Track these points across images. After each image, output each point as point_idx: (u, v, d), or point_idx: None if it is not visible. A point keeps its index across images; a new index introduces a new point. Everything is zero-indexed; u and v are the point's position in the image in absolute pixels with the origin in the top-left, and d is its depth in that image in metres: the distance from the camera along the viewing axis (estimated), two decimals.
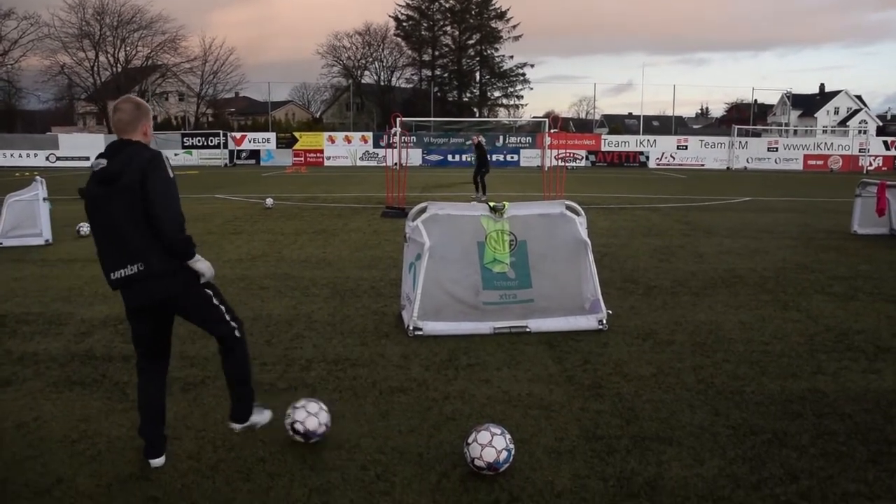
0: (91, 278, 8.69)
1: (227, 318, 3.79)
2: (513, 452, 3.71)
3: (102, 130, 57.77)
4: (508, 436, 3.72)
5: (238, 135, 46.37)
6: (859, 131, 53.97)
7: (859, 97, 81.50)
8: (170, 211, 3.46)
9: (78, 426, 4.31)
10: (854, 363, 5.54)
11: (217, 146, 44.62)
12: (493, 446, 3.63)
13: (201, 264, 3.63)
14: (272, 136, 45.09)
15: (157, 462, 3.77)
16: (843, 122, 74.49)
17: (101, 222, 3.52)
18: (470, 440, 3.69)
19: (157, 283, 3.51)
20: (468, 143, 20.92)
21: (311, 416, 3.99)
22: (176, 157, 44.52)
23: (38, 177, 12.02)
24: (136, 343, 3.81)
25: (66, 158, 43.33)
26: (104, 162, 3.47)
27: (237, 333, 3.82)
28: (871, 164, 43.47)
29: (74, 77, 60.15)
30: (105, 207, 3.47)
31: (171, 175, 3.53)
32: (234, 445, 4.05)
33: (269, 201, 17.72)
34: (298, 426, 3.96)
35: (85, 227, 12.41)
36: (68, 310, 7.14)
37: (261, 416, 4.07)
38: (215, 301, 3.74)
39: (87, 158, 43.06)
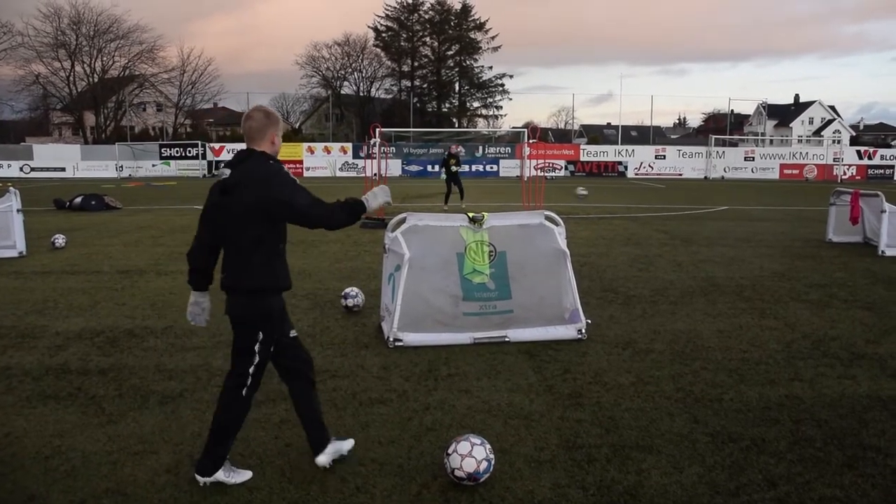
0: (66, 290, 8.57)
1: (248, 360, 3.61)
2: (493, 463, 3.70)
3: (78, 141, 57.16)
4: (489, 446, 3.72)
5: (217, 145, 46.12)
6: (833, 141, 54.82)
7: (833, 107, 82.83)
8: (311, 206, 3.47)
9: (51, 442, 4.24)
10: (830, 369, 5.61)
11: (195, 157, 44.31)
12: (473, 456, 3.62)
13: (374, 201, 3.67)
14: None
15: (322, 460, 3.83)
16: (818, 132, 75.63)
17: (213, 230, 3.58)
18: (450, 451, 3.68)
19: (231, 297, 3.59)
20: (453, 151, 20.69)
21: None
22: (154, 167, 44.20)
23: (11, 188, 11.86)
24: None
25: (41, 169, 42.82)
26: (227, 172, 3.52)
27: (242, 381, 3.63)
28: (844, 174, 44.12)
29: (49, 87, 59.39)
30: (221, 216, 3.52)
31: (295, 179, 3.53)
32: None
33: None
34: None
35: (60, 239, 12.25)
36: (42, 323, 7.04)
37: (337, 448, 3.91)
38: (250, 344, 3.60)
39: (63, 169, 42.80)
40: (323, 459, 3.84)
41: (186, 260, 3.74)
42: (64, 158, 43.94)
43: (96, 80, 59.77)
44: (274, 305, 3.62)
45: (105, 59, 60.33)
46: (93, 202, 19.86)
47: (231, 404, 3.65)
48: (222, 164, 3.60)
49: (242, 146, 3.62)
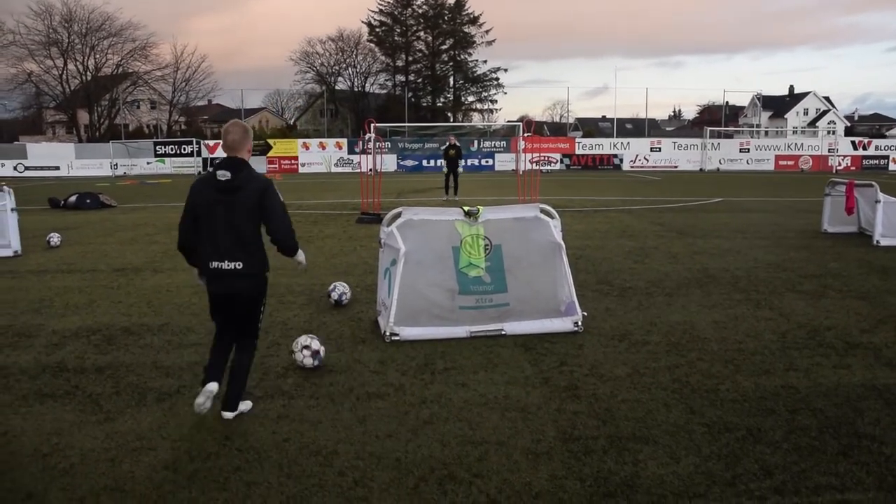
0: (62, 289, 8.56)
1: (259, 325, 4.68)
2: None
3: (72, 139, 56.95)
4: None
5: (211, 142, 45.95)
6: (828, 132, 54.91)
7: (827, 98, 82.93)
8: (285, 224, 4.42)
9: (49, 440, 4.24)
10: (825, 359, 5.63)
11: (190, 154, 44.20)
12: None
13: (301, 255, 4.71)
14: None
15: (228, 415, 4.51)
16: (813, 123, 75.76)
17: (213, 222, 4.29)
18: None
19: (242, 280, 4.36)
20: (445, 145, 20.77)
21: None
22: (148, 165, 44.07)
23: (5, 187, 11.81)
24: (214, 320, 4.65)
25: (35, 168, 42.67)
26: (228, 175, 4.25)
27: (256, 342, 4.72)
28: (839, 164, 44.22)
29: (42, 85, 59.08)
30: (221, 211, 4.27)
31: (282, 199, 4.47)
32: (210, 455, 4.01)
33: None
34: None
35: (55, 238, 12.22)
36: (38, 322, 7.03)
37: (245, 405, 4.67)
38: (262, 310, 4.66)
39: (57, 168, 42.67)
40: (229, 415, 4.50)
41: (184, 248, 4.49)
42: (58, 157, 43.78)
43: (89, 77, 59.49)
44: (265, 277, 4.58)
45: (98, 56, 60.08)
46: (88, 200, 19.80)
47: (251, 352, 4.66)
48: (216, 167, 4.33)
49: None
